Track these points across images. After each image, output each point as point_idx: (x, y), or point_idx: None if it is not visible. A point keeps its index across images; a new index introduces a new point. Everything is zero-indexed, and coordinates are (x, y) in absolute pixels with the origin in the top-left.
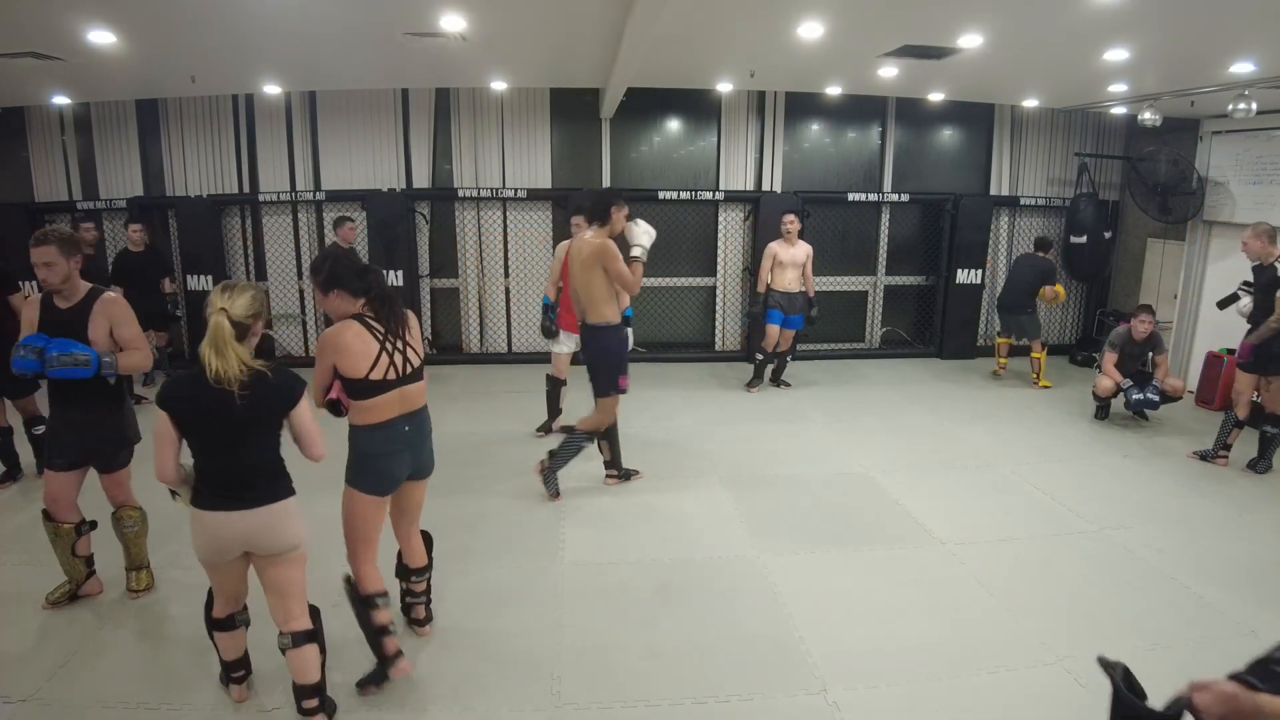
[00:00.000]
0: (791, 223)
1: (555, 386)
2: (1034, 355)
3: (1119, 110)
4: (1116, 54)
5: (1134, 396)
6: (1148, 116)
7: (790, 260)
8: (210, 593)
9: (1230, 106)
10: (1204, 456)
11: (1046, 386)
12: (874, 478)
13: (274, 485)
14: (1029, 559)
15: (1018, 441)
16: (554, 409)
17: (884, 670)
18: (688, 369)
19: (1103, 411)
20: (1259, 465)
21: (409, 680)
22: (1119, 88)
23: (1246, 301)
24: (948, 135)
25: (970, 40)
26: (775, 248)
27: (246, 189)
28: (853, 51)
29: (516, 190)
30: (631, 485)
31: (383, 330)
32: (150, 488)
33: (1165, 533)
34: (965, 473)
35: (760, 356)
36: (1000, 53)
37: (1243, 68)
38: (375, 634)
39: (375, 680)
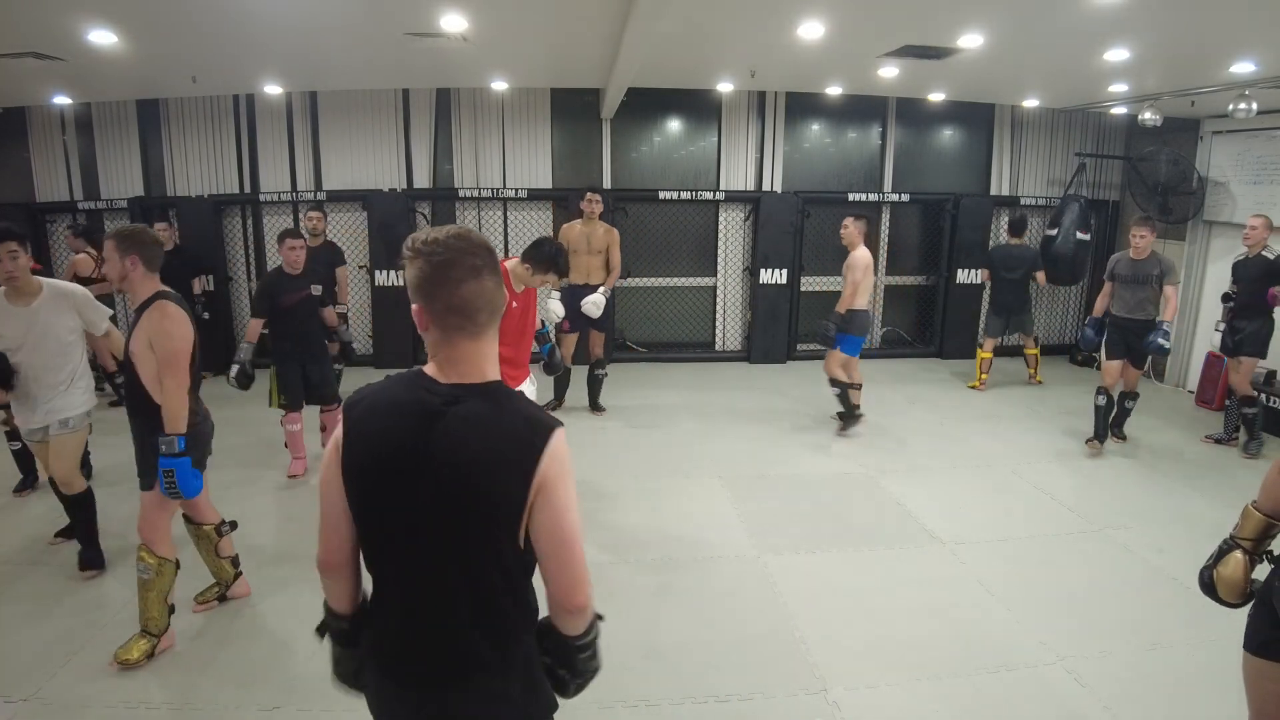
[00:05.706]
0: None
1: None
2: (1029, 351)
3: (1119, 110)
4: (1117, 54)
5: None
6: (1148, 116)
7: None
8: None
9: (1230, 106)
10: (1218, 440)
11: (1040, 382)
12: (874, 478)
13: None
14: (1029, 559)
15: (1018, 441)
16: None
17: (884, 670)
18: (688, 369)
19: (1105, 410)
20: (1251, 446)
21: None
22: (1119, 88)
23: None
24: (948, 135)
25: (970, 40)
26: (869, 258)
27: (247, 189)
28: (853, 51)
29: (517, 190)
30: (631, 485)
31: None
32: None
33: (1165, 533)
34: (965, 473)
35: (839, 391)
36: (1000, 53)
37: (1243, 68)
38: None
39: None
